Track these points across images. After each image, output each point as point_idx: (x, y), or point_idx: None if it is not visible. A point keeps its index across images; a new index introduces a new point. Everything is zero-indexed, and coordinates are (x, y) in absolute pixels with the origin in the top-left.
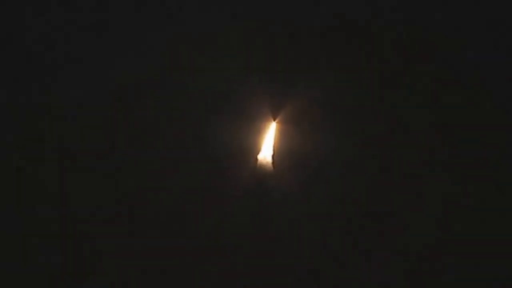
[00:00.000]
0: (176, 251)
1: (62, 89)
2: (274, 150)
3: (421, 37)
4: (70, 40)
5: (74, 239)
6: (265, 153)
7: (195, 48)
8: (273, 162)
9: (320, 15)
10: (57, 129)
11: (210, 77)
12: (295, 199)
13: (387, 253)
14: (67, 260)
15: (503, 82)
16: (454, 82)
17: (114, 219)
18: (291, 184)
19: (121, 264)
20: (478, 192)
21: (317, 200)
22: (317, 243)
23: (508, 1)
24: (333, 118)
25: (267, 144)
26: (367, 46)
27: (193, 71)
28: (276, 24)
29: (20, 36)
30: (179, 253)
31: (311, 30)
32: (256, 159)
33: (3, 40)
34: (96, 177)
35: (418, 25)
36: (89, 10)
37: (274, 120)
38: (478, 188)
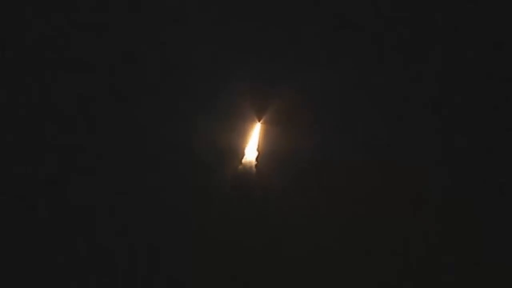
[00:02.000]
0: (164, 250)
1: (62, 89)
2: (258, 151)
3: (421, 37)
4: (70, 40)
5: (73, 238)
6: (250, 154)
7: (188, 48)
8: (257, 163)
9: (320, 15)
10: (57, 129)
11: (196, 77)
12: (279, 199)
13: (377, 253)
14: (66, 259)
15: (503, 82)
16: (454, 82)
17: (110, 218)
18: (275, 184)
19: (117, 262)
20: (478, 191)
21: (302, 200)
22: (302, 243)
23: (508, 1)
24: (318, 119)
25: (252, 145)
26: (367, 46)
27: (180, 72)
28: (272, 24)
29: (20, 36)
30: (167, 251)
31: (310, 30)
32: (241, 160)
33: (3, 40)
34: (94, 176)
35: (418, 25)
36: (89, 10)
37: (259, 121)
38: (478, 188)
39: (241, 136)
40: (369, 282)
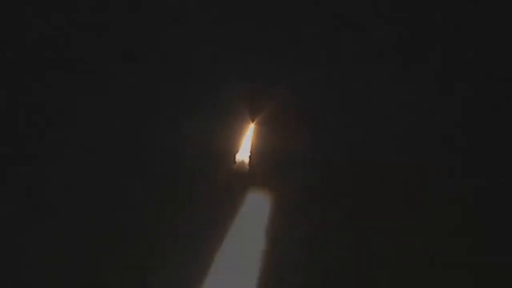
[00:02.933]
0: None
1: (62, 89)
2: (251, 152)
3: (421, 37)
4: (70, 40)
5: (71, 238)
6: (243, 155)
7: (188, 48)
8: (250, 164)
9: (320, 15)
10: (57, 129)
11: (195, 77)
12: (272, 200)
13: (376, 253)
14: (67, 259)
15: (503, 82)
16: (454, 82)
17: (108, 218)
18: (268, 185)
19: (112, 262)
20: (478, 191)
21: (294, 201)
22: (295, 244)
23: (508, 1)
24: (316, 119)
25: (245, 146)
26: (367, 46)
27: (180, 72)
28: (272, 24)
29: (20, 36)
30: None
31: (310, 30)
32: (234, 160)
33: (3, 40)
34: (94, 176)
35: (418, 25)
36: (89, 10)
37: (253, 121)
38: (478, 188)
39: (235, 136)
40: (369, 282)
